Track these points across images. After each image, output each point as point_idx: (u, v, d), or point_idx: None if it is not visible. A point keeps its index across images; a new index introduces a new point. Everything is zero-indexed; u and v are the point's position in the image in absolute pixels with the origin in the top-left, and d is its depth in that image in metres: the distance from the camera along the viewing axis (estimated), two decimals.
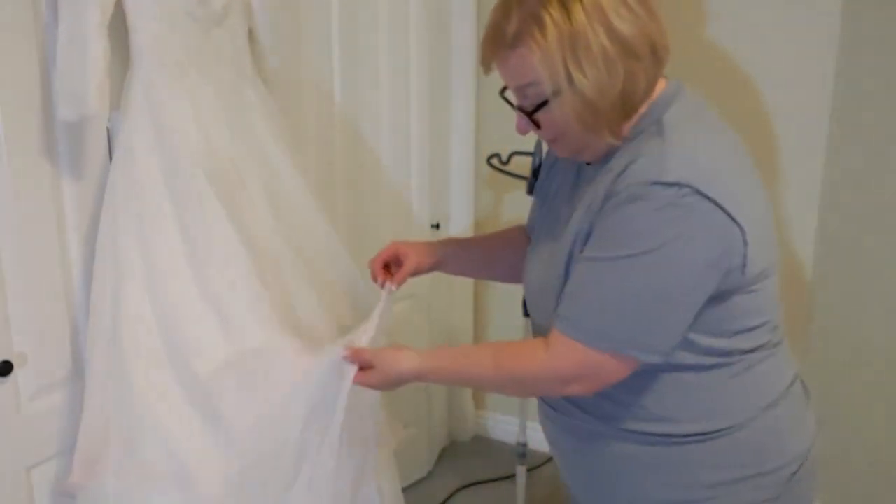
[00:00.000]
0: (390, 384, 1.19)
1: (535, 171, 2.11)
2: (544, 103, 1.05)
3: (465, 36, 2.58)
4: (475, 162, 2.70)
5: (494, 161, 2.25)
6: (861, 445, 2.12)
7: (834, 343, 2.15)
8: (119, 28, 1.38)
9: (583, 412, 1.19)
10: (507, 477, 2.64)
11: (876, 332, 2.05)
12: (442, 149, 2.64)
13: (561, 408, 1.23)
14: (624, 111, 1.05)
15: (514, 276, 1.45)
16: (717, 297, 1.05)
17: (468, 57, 2.60)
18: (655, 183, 0.98)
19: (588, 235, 1.07)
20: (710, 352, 1.09)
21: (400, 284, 1.39)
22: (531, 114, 1.08)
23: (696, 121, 1.09)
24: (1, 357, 1.32)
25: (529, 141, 2.21)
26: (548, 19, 0.99)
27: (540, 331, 1.23)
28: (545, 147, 1.25)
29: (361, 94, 2.18)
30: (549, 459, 2.73)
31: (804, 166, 2.12)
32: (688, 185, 0.97)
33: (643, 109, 1.08)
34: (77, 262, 1.43)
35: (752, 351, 1.12)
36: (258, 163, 1.56)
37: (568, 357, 1.06)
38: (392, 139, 2.34)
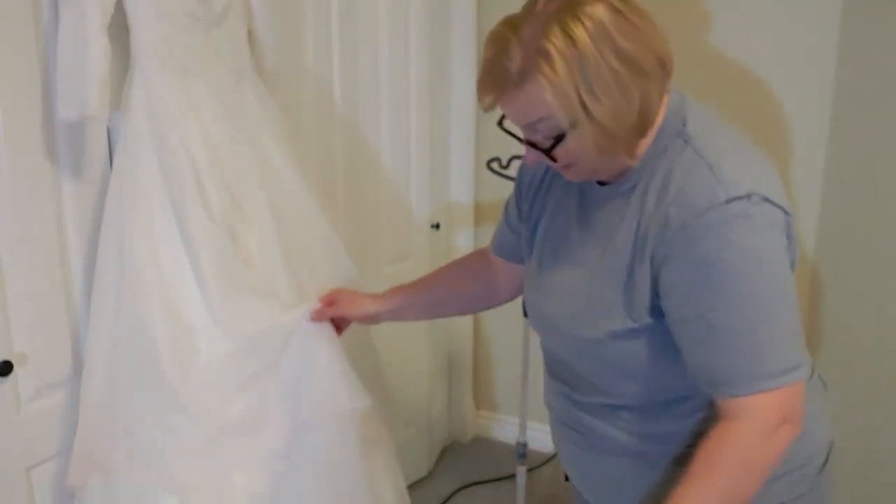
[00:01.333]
0: None
1: None
2: (561, 137, 1.00)
3: (465, 37, 2.59)
4: (475, 162, 2.71)
5: (494, 165, 2.24)
6: (867, 439, 2.12)
7: (834, 342, 2.15)
8: (120, 28, 1.38)
9: (629, 435, 1.15)
10: (507, 477, 2.64)
11: (876, 329, 2.05)
12: (442, 149, 2.64)
13: (588, 428, 1.18)
14: (640, 131, 1.02)
15: (475, 308, 1.50)
16: None
17: (468, 58, 2.60)
18: (728, 201, 0.96)
19: (650, 279, 1.02)
20: None
21: (315, 320, 1.41)
22: (549, 150, 1.02)
23: (718, 128, 1.07)
24: (1, 357, 1.32)
25: None
26: (553, 50, 0.94)
27: (555, 361, 1.21)
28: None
29: (361, 94, 2.18)
30: (549, 459, 2.73)
31: (804, 166, 2.13)
32: (756, 193, 0.97)
33: (658, 124, 1.05)
34: (77, 262, 1.43)
35: None
36: (258, 162, 1.56)
37: (768, 410, 1.00)
38: (392, 139, 2.34)
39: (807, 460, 1.13)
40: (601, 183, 1.12)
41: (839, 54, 2.03)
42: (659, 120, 1.05)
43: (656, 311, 1.03)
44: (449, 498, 2.59)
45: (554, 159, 1.04)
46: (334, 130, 2.11)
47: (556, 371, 1.23)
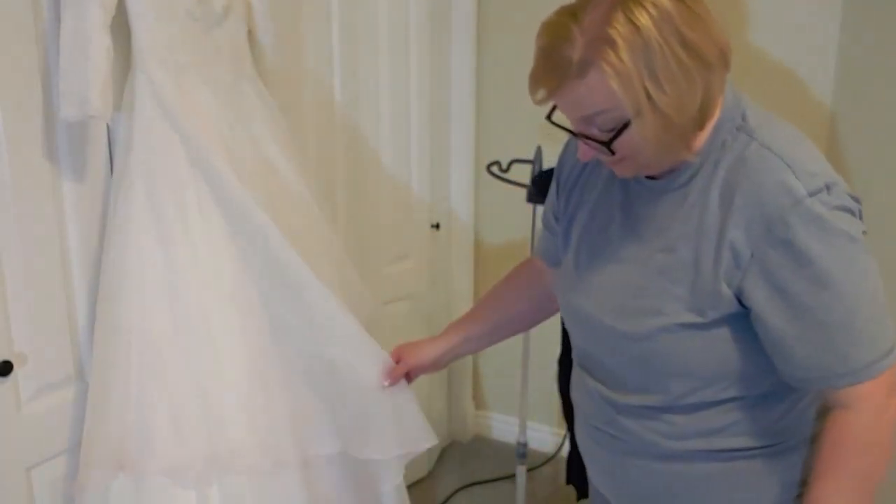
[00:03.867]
0: None
1: (535, 180, 2.10)
2: (622, 128, 0.97)
3: (466, 37, 2.59)
4: (475, 162, 2.71)
5: (494, 169, 2.24)
6: None
7: None
8: (121, 28, 1.38)
9: (661, 435, 1.13)
10: (507, 477, 2.64)
11: None
12: (442, 149, 2.64)
13: (625, 430, 1.16)
14: (700, 123, 1.00)
15: (536, 320, 1.44)
16: None
17: (468, 58, 2.60)
18: (809, 195, 0.95)
19: (738, 279, 0.99)
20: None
21: (392, 383, 1.41)
22: (610, 143, 0.98)
23: (777, 122, 1.05)
24: (1, 357, 1.32)
25: (529, 149, 2.21)
26: (618, 38, 0.91)
27: (591, 360, 1.18)
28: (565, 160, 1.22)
29: (361, 94, 2.18)
30: (549, 459, 2.73)
31: None
32: (833, 183, 0.98)
33: (716, 117, 1.03)
34: (77, 262, 1.43)
35: None
36: (258, 162, 1.56)
37: (875, 391, 1.00)
38: (392, 139, 2.34)
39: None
40: (650, 178, 1.09)
41: (839, 54, 2.04)
42: (717, 113, 1.03)
43: (729, 306, 1.01)
44: (449, 498, 2.59)
45: (613, 152, 1.00)
46: (334, 130, 2.11)
47: (592, 371, 1.19)
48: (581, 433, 1.25)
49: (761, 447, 1.09)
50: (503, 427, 2.92)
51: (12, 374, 1.34)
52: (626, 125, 0.96)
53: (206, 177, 1.41)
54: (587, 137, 1.01)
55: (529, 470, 2.40)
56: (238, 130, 1.53)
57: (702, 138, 1.03)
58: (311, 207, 1.65)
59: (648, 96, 0.93)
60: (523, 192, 2.15)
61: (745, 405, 1.07)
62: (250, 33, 1.62)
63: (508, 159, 2.25)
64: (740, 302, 1.01)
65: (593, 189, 1.18)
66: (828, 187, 0.96)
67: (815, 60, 2.08)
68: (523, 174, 2.19)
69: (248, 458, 1.40)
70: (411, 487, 2.56)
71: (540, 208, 2.20)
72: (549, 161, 2.17)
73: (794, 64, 2.12)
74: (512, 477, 2.44)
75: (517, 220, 2.59)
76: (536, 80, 0.99)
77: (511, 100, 2.61)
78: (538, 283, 1.37)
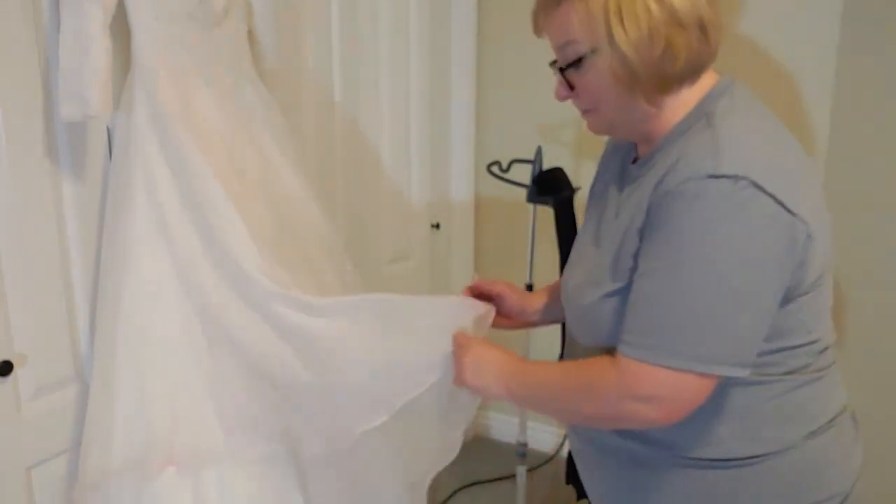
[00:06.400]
0: (474, 372, 1.18)
1: (535, 180, 2.10)
2: (580, 60, 1.03)
3: (466, 37, 2.59)
4: (475, 162, 2.71)
5: (494, 169, 2.25)
6: None
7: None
8: (121, 28, 1.38)
9: (625, 436, 1.11)
10: (507, 477, 2.64)
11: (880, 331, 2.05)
12: (442, 149, 2.64)
13: (597, 434, 1.15)
14: (661, 82, 1.01)
15: None
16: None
17: (468, 57, 2.60)
18: (710, 177, 0.92)
19: (639, 241, 1.00)
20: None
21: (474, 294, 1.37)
22: (565, 70, 1.05)
23: (750, 111, 1.04)
24: (1, 357, 1.32)
25: (529, 149, 2.21)
26: None
27: (573, 347, 1.18)
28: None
29: (361, 94, 2.18)
30: (549, 459, 2.73)
31: None
32: (744, 178, 0.91)
33: (692, 103, 1.04)
34: (77, 262, 1.43)
35: (792, 372, 1.04)
36: (258, 162, 1.56)
37: (644, 378, 0.97)
38: (392, 139, 2.34)
39: (812, 502, 1.07)
40: (635, 162, 1.12)
41: (839, 55, 2.03)
42: (694, 97, 1.04)
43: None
44: (449, 498, 2.59)
45: (572, 87, 1.06)
46: (334, 130, 2.11)
47: (575, 358, 1.18)
48: (569, 431, 1.25)
49: (730, 459, 1.05)
50: (503, 427, 2.92)
51: (12, 374, 1.34)
52: (584, 57, 1.02)
53: (190, 177, 1.41)
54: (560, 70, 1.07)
55: (529, 470, 2.39)
56: (238, 130, 1.53)
57: (671, 121, 1.05)
58: (311, 207, 1.65)
59: (609, 34, 0.99)
60: (523, 192, 2.15)
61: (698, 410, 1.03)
62: (250, 33, 1.62)
63: (508, 159, 2.25)
64: None
65: (608, 178, 1.21)
66: (735, 178, 0.91)
67: (815, 61, 2.08)
68: (523, 174, 2.19)
69: (243, 448, 1.41)
70: None
71: (540, 208, 2.20)
72: (550, 161, 2.17)
73: (795, 64, 2.12)
74: (512, 477, 2.44)
75: (517, 220, 2.59)
76: (533, 13, 1.07)
77: (511, 100, 2.61)
78: None
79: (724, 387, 1.01)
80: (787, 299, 0.98)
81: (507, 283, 1.41)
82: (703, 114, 1.03)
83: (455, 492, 2.62)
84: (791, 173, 0.98)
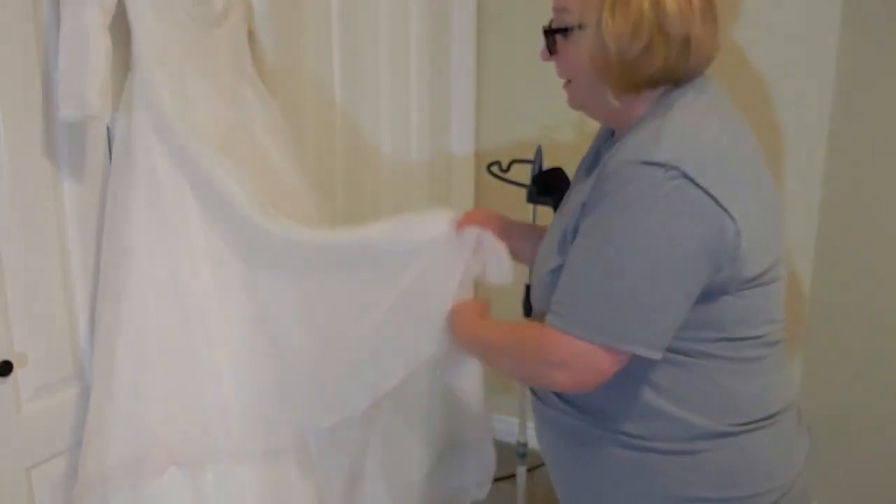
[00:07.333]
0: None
1: (535, 180, 2.10)
2: (567, 30, 1.07)
3: (466, 37, 2.58)
4: (475, 164, 2.71)
5: (494, 169, 2.25)
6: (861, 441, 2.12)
7: (834, 342, 2.15)
8: (121, 28, 1.38)
9: (564, 402, 1.15)
10: (507, 477, 2.64)
11: (877, 329, 2.05)
12: (442, 149, 2.64)
13: (546, 398, 1.19)
14: (629, 79, 1.04)
15: None
16: (706, 295, 1.01)
17: (468, 58, 2.60)
18: (644, 163, 0.95)
19: (580, 219, 1.04)
20: (678, 350, 1.04)
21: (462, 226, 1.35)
22: (549, 32, 1.10)
23: (709, 108, 1.06)
24: (1, 357, 1.33)
25: (529, 149, 2.21)
26: None
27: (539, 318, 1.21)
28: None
29: (361, 94, 2.18)
30: None
31: (804, 173, 2.13)
32: (675, 168, 0.94)
33: (659, 95, 1.07)
34: (77, 262, 1.43)
35: (728, 362, 1.06)
36: (258, 162, 1.56)
37: (557, 345, 1.01)
38: (392, 139, 2.34)
39: (744, 496, 1.07)
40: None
41: (839, 55, 2.04)
42: (662, 91, 1.07)
43: None
44: None
45: (553, 51, 1.11)
46: (334, 130, 2.11)
47: None
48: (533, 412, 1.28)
49: (660, 440, 1.07)
50: (503, 427, 2.91)
51: (12, 374, 1.34)
52: (570, 28, 1.07)
53: (200, 178, 1.41)
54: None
55: (529, 470, 2.39)
56: (238, 131, 1.53)
57: (641, 110, 1.08)
58: (310, 207, 1.65)
59: (599, 17, 1.02)
60: (523, 192, 2.15)
61: (632, 384, 1.07)
62: (250, 33, 1.62)
63: (508, 159, 2.25)
64: None
65: (584, 161, 1.26)
66: (666, 167, 0.94)
67: (815, 61, 2.08)
68: (523, 174, 2.19)
69: (245, 445, 1.41)
70: None
71: (540, 208, 2.20)
72: (550, 161, 2.17)
73: (795, 64, 2.12)
74: (512, 477, 2.44)
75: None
76: None
77: (511, 100, 2.61)
78: None
79: (655, 365, 1.03)
80: (721, 291, 1.01)
81: (486, 216, 1.39)
82: (665, 105, 1.05)
83: None
84: (730, 172, 1.00)
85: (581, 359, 1.00)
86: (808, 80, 2.10)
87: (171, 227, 1.41)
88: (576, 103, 1.16)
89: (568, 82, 1.14)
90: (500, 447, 2.88)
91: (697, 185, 0.95)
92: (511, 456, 2.43)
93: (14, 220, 1.32)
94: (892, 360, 2.01)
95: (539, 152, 2.13)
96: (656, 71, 1.03)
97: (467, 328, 1.25)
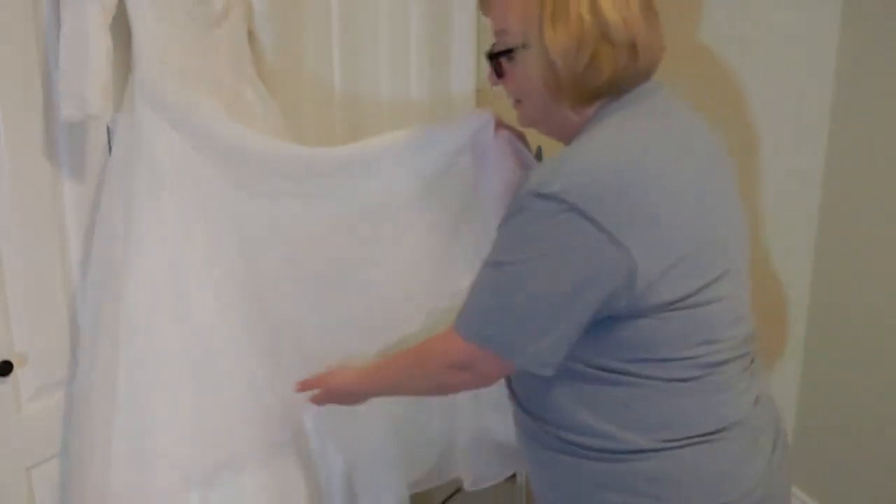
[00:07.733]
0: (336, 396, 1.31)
1: None
2: (511, 51, 1.07)
3: (466, 38, 2.58)
4: None
5: None
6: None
7: (834, 342, 2.15)
8: (121, 28, 1.38)
9: (518, 404, 1.20)
10: (507, 477, 2.64)
11: (876, 329, 2.05)
12: None
13: (513, 398, 1.24)
14: (582, 93, 1.05)
15: None
16: (615, 319, 1.01)
17: (468, 59, 2.60)
18: (538, 195, 0.97)
19: None
20: (606, 368, 1.05)
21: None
22: (491, 56, 1.10)
23: (638, 119, 1.04)
24: (1, 357, 1.33)
25: (529, 149, 2.21)
26: None
27: None
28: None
29: (361, 94, 2.18)
30: None
31: (804, 173, 2.13)
32: (565, 202, 0.95)
33: (595, 110, 1.07)
34: (77, 262, 1.43)
35: (654, 381, 1.05)
36: None
37: (455, 347, 1.07)
38: None
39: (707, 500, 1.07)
40: None
41: (839, 55, 2.03)
42: (594, 110, 1.08)
43: None
44: (449, 498, 2.58)
45: (500, 74, 1.11)
46: (334, 130, 2.11)
47: None
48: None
49: (595, 450, 1.08)
50: (503, 427, 2.91)
51: (12, 374, 1.34)
52: (514, 49, 1.06)
53: (204, 176, 1.41)
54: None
55: None
56: None
57: (584, 121, 1.09)
58: None
59: (541, 32, 1.02)
60: None
61: (563, 392, 1.09)
62: (250, 33, 1.62)
63: None
64: None
65: None
66: (557, 200, 0.95)
67: (814, 62, 2.08)
68: None
69: (248, 447, 1.41)
70: None
71: None
72: None
73: (795, 65, 2.12)
74: (512, 477, 2.44)
75: None
76: None
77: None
78: None
79: (583, 381, 1.06)
80: (634, 315, 1.00)
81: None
82: (596, 120, 1.06)
83: (455, 492, 2.61)
84: (640, 197, 0.97)
85: (475, 362, 1.07)
86: (808, 80, 2.10)
87: (174, 228, 1.41)
88: (526, 122, 1.16)
89: (517, 102, 1.14)
90: (500, 447, 2.89)
91: (587, 217, 0.94)
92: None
93: (14, 220, 1.32)
94: (892, 361, 2.01)
95: (539, 152, 2.13)
96: (606, 81, 1.03)
97: (358, 379, 1.27)
